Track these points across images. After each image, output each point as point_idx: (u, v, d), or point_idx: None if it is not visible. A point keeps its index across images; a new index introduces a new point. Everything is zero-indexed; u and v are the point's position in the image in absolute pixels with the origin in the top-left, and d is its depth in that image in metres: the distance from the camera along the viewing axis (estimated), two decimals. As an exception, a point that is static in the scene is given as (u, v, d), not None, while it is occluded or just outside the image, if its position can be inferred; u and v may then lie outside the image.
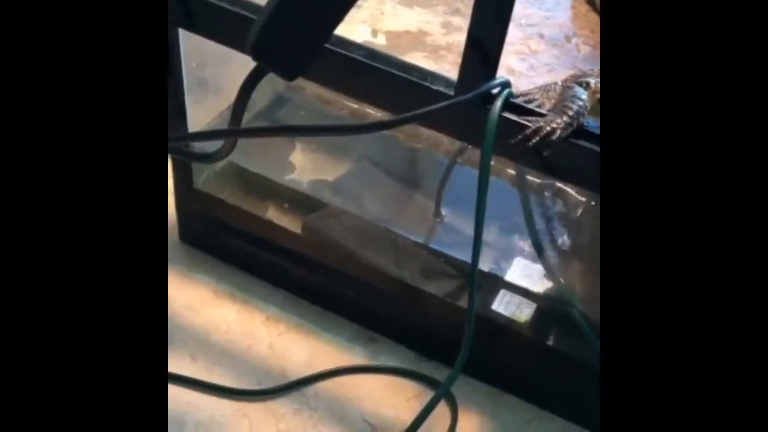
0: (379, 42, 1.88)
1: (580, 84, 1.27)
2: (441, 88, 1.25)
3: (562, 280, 1.51)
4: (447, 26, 1.92)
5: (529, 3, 2.05)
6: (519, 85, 1.72)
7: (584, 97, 1.22)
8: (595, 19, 2.13)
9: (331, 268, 1.55)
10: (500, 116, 1.18)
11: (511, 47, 1.88)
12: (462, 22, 1.95)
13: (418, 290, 1.51)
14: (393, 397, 1.49)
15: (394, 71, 1.29)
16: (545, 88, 1.42)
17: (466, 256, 1.53)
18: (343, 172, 1.69)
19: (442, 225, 1.60)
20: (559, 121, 1.18)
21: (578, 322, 1.44)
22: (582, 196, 1.59)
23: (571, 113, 1.18)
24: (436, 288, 1.49)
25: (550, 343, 1.48)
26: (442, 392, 1.45)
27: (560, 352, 1.46)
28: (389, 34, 1.89)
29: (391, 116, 1.19)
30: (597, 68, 1.28)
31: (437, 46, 1.79)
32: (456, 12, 1.97)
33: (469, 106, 1.20)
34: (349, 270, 1.57)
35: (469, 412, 1.51)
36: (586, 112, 1.21)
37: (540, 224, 1.57)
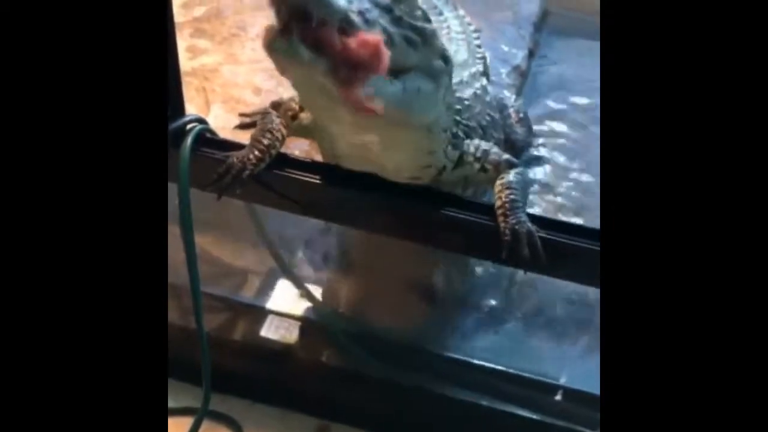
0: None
1: (275, 106, 1.29)
2: None
3: (320, 298, 1.55)
4: (192, 50, 1.90)
5: None
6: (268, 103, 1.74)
7: (277, 126, 1.24)
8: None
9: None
10: (192, 153, 1.19)
11: (258, 65, 1.88)
12: (208, 44, 1.94)
13: (182, 328, 1.49)
14: None
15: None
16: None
17: (226, 289, 1.54)
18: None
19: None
20: (251, 156, 1.20)
21: (338, 336, 1.50)
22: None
23: (261, 147, 1.21)
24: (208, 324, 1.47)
25: (322, 358, 1.51)
26: (201, 414, 1.43)
27: (330, 365, 1.50)
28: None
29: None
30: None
31: (183, 72, 1.75)
32: (202, 33, 1.95)
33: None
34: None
35: (259, 436, 1.53)
36: (279, 142, 1.23)
37: (295, 247, 1.61)
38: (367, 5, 0.99)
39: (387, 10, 1.02)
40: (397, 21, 1.03)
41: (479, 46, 1.68)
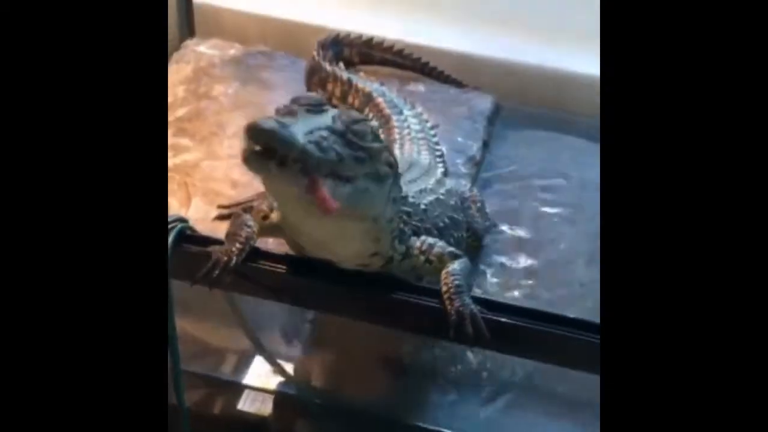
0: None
1: (246, 210, 1.48)
2: None
3: (292, 373, 1.70)
4: (175, 148, 2.07)
5: (252, 115, 2.17)
6: (245, 195, 1.91)
7: (251, 222, 1.43)
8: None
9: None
10: (174, 249, 1.37)
11: (235, 160, 2.01)
12: (189, 143, 2.12)
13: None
14: None
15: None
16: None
17: (205, 366, 1.68)
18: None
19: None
20: (233, 249, 1.38)
21: (311, 408, 1.64)
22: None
23: (241, 239, 1.39)
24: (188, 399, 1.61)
25: (295, 430, 1.66)
26: None
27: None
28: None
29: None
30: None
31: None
32: (184, 132, 2.12)
33: None
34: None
35: None
36: (255, 235, 1.42)
37: (268, 326, 1.77)
38: (324, 134, 1.23)
39: (341, 134, 1.25)
40: (348, 143, 1.26)
41: (437, 143, 1.87)
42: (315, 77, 2.29)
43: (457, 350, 1.75)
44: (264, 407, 1.68)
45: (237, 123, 2.20)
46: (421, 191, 1.57)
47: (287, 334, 1.78)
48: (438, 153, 1.84)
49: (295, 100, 1.28)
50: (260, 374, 1.71)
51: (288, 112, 1.23)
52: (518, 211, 2.02)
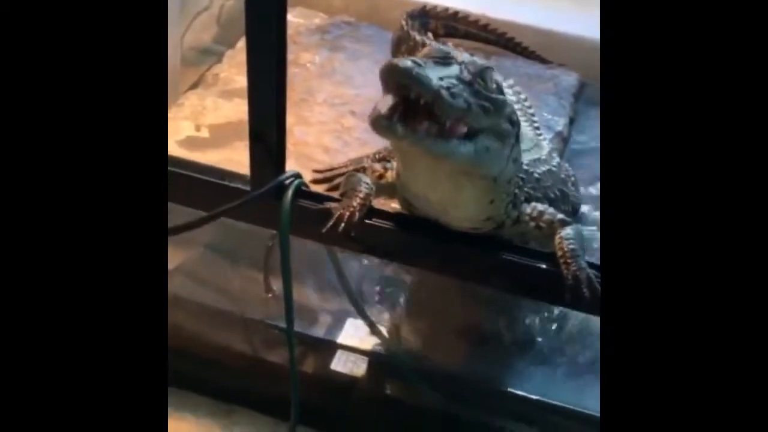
0: (203, 135, 2.01)
1: (357, 170, 1.49)
2: (239, 185, 1.44)
3: (387, 334, 1.72)
4: (266, 112, 2.09)
5: (340, 83, 2.25)
6: (337, 162, 1.93)
7: (368, 180, 1.44)
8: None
9: (181, 350, 1.66)
10: (293, 205, 1.38)
11: (325, 126, 2.07)
12: (279, 107, 2.14)
13: (265, 361, 1.66)
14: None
15: (193, 174, 1.47)
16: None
17: (298, 326, 1.69)
18: (184, 260, 1.82)
19: (275, 299, 1.75)
20: (354, 204, 1.39)
21: (405, 371, 1.66)
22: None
23: (362, 195, 1.40)
24: (279, 357, 1.63)
25: (387, 392, 1.67)
26: None
27: (396, 399, 1.65)
28: (211, 127, 2.03)
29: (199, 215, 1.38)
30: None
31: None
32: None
33: (266, 198, 1.40)
34: (199, 351, 1.69)
35: (325, 464, 1.67)
36: (372, 193, 1.43)
37: (369, 287, 1.78)
38: (453, 81, 1.24)
39: (468, 84, 1.26)
40: (476, 93, 1.26)
41: (534, 117, 1.88)
42: (403, 46, 2.29)
43: (546, 319, 1.77)
44: (356, 368, 1.69)
45: (326, 90, 2.23)
46: (534, 160, 1.57)
47: (383, 298, 1.79)
48: (536, 126, 1.84)
49: (425, 54, 1.28)
50: (353, 335, 1.72)
51: (416, 63, 1.23)
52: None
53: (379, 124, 1.21)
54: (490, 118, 1.28)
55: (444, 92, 1.20)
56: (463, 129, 1.24)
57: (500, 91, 1.33)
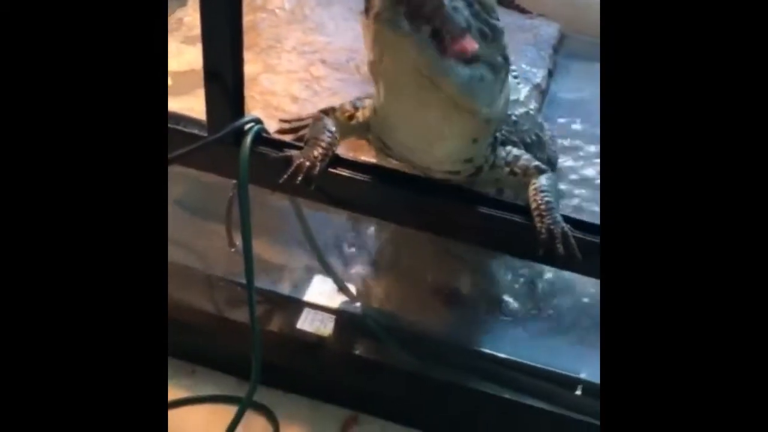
0: (166, 82, 1.93)
1: (326, 113, 1.40)
2: (194, 131, 1.35)
3: (354, 292, 1.65)
4: (232, 60, 2.00)
5: (310, 30, 2.16)
6: (306, 112, 1.84)
7: (333, 128, 1.35)
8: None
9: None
10: (252, 151, 1.29)
11: (295, 75, 1.98)
12: (247, 55, 2.04)
13: (227, 319, 1.59)
14: (215, 423, 1.55)
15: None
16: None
17: (263, 282, 1.62)
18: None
19: (238, 254, 1.67)
20: (316, 154, 1.30)
21: (373, 328, 1.59)
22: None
23: (324, 144, 1.32)
24: (243, 315, 1.56)
25: (355, 351, 1.60)
26: (245, 404, 1.51)
27: (363, 357, 1.58)
28: (174, 75, 1.94)
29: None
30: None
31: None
32: (239, 45, 2.05)
33: (223, 144, 1.31)
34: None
35: (291, 425, 1.61)
36: (336, 141, 1.35)
37: (337, 242, 1.71)
38: None
39: (469, 4, 1.21)
40: (475, 14, 1.21)
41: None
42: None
43: (519, 277, 1.71)
44: (324, 327, 1.63)
45: (295, 37, 2.13)
46: (512, 102, 1.48)
47: (349, 256, 1.72)
48: (514, 74, 1.76)
49: None
50: (320, 293, 1.66)
51: None
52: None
53: (383, 17, 1.12)
54: (487, 46, 1.23)
55: (447, 1, 1.15)
56: (460, 54, 1.18)
57: (497, 19, 1.28)
